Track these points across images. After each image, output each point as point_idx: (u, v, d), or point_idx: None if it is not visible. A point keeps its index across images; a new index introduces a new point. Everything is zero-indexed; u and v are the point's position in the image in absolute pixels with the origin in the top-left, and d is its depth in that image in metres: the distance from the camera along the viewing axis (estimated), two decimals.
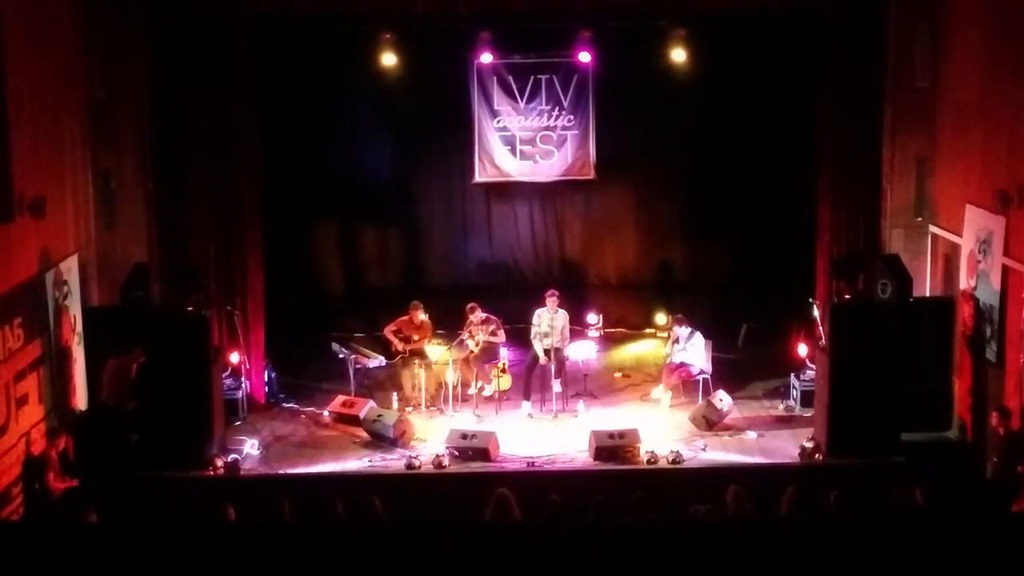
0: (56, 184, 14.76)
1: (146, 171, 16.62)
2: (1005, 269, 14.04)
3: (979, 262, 14.69)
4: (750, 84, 19.32)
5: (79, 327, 15.29)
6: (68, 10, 15.35)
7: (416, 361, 17.18)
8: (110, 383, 14.96)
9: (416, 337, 17.27)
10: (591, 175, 20.60)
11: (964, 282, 15.18)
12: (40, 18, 14.43)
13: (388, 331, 17.40)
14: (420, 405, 17.06)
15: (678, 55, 18.35)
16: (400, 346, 17.23)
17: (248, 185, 17.25)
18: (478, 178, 20.64)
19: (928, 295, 16.31)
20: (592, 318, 20.07)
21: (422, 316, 17.45)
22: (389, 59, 18.37)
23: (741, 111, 19.56)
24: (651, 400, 17.18)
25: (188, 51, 16.63)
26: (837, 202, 17.27)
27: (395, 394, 17.18)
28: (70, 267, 15.07)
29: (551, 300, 17.04)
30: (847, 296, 15.99)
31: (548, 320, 16.89)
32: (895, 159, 16.86)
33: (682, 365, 17.05)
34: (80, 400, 15.28)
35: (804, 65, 17.85)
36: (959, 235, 15.35)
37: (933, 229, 16.35)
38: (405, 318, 17.40)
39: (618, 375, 18.62)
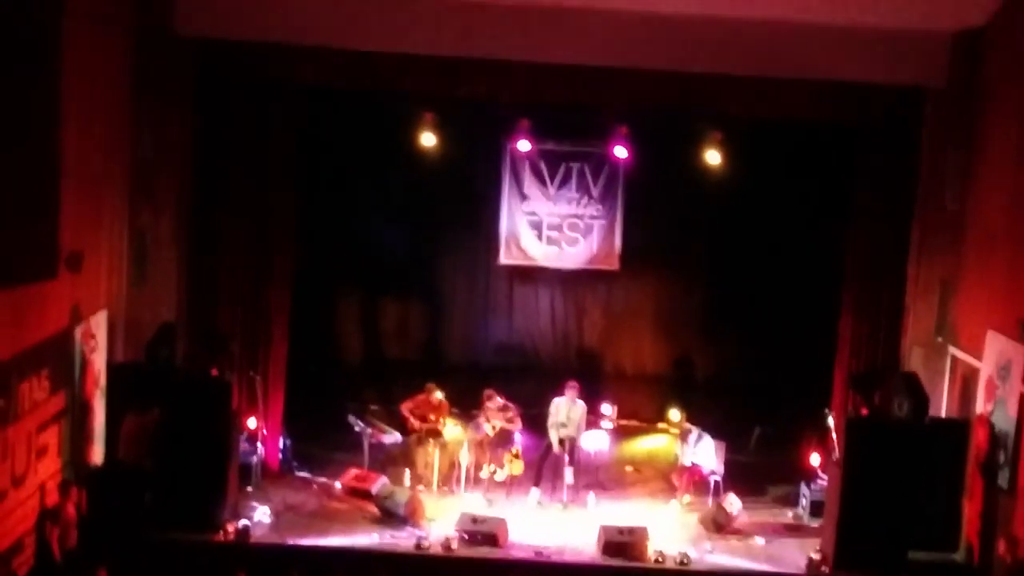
0: (93, 239, 14.94)
1: (181, 231, 16.79)
2: (1023, 398, 14.13)
3: (997, 388, 14.79)
4: (781, 191, 19.48)
5: (102, 382, 15.42)
6: (122, 69, 15.65)
7: (431, 440, 17.27)
8: (127, 440, 15.06)
9: (432, 416, 17.36)
10: (615, 266, 20.82)
11: (981, 406, 15.25)
12: (95, 75, 14.71)
13: (405, 408, 17.47)
14: (432, 484, 17.13)
15: (712, 157, 18.57)
16: (416, 424, 17.32)
17: (279, 252, 17.43)
18: (503, 260, 20.84)
19: (944, 416, 16.34)
20: (606, 409, 20.14)
21: (439, 396, 17.55)
22: (428, 139, 18.56)
23: (770, 217, 19.76)
24: (669, 503, 17.20)
25: (232, 116, 16.90)
26: (859, 316, 17.43)
27: (407, 471, 17.25)
28: (99, 322, 15.23)
29: (571, 391, 17.16)
30: (863, 410, 16.07)
31: (566, 411, 17.02)
32: (920, 278, 17.01)
33: (694, 466, 17.12)
34: (96, 455, 15.38)
35: (836, 178, 18.10)
36: (979, 359, 15.44)
37: (953, 350, 16.42)
38: (422, 396, 17.50)
39: (629, 469, 18.68)
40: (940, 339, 16.74)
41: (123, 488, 14.72)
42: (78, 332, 14.58)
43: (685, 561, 14.92)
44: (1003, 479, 14.51)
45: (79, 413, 14.75)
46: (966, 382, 16.04)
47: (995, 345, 14.98)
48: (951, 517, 15.69)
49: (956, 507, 15.69)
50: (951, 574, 15.13)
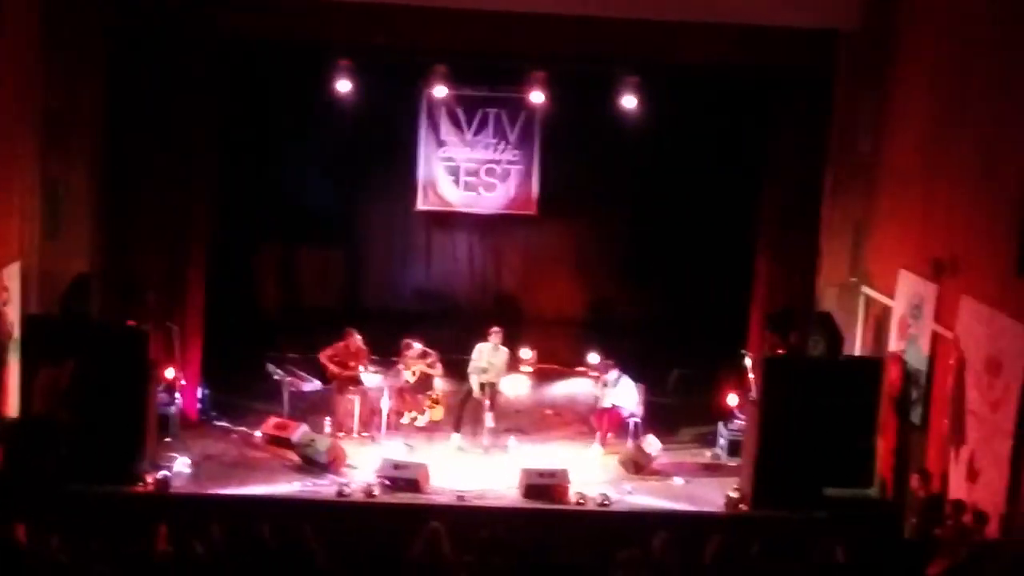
0: (4, 191, 14.73)
1: (96, 182, 16.58)
2: (935, 335, 14.30)
3: (910, 326, 14.99)
4: (698, 136, 19.70)
5: (16, 334, 15.24)
6: (28, 17, 15.36)
7: (350, 387, 17.27)
8: (42, 393, 14.90)
9: (352, 363, 17.37)
10: (533, 211, 20.91)
11: (894, 344, 15.45)
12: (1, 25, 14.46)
13: (324, 356, 17.46)
14: (352, 431, 17.14)
15: (628, 102, 18.56)
16: (336, 371, 17.32)
17: (196, 202, 17.32)
18: (420, 206, 20.85)
19: (858, 354, 16.58)
20: (526, 353, 20.23)
21: (358, 340, 17.55)
22: (344, 85, 18.44)
23: (687, 161, 19.96)
24: (589, 446, 17.29)
25: (146, 65, 16.70)
26: (775, 258, 17.67)
27: (328, 419, 17.23)
28: (12, 274, 15.03)
29: (494, 336, 17.23)
30: (779, 350, 16.26)
31: (488, 355, 17.09)
32: (834, 220, 17.18)
33: (612, 408, 17.25)
34: (11, 408, 15.21)
35: (751, 122, 18.26)
36: (891, 298, 15.64)
37: (866, 290, 16.61)
38: (341, 344, 17.49)
39: (549, 412, 18.81)
40: (853, 279, 16.92)
41: (39, 441, 14.56)
42: None
43: (606, 502, 15.06)
44: (915, 415, 14.73)
45: None
46: (879, 321, 16.22)
47: (907, 284, 15.16)
48: (865, 453, 15.91)
49: (870, 444, 15.92)
50: (866, 509, 15.34)
